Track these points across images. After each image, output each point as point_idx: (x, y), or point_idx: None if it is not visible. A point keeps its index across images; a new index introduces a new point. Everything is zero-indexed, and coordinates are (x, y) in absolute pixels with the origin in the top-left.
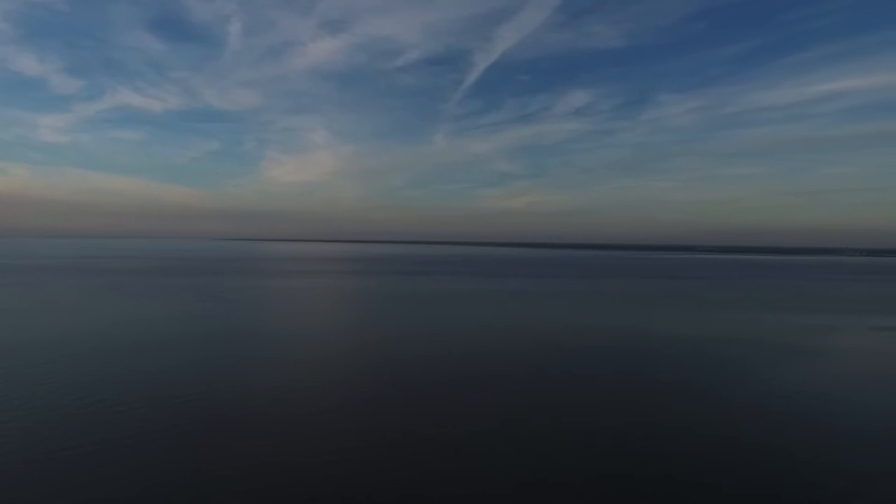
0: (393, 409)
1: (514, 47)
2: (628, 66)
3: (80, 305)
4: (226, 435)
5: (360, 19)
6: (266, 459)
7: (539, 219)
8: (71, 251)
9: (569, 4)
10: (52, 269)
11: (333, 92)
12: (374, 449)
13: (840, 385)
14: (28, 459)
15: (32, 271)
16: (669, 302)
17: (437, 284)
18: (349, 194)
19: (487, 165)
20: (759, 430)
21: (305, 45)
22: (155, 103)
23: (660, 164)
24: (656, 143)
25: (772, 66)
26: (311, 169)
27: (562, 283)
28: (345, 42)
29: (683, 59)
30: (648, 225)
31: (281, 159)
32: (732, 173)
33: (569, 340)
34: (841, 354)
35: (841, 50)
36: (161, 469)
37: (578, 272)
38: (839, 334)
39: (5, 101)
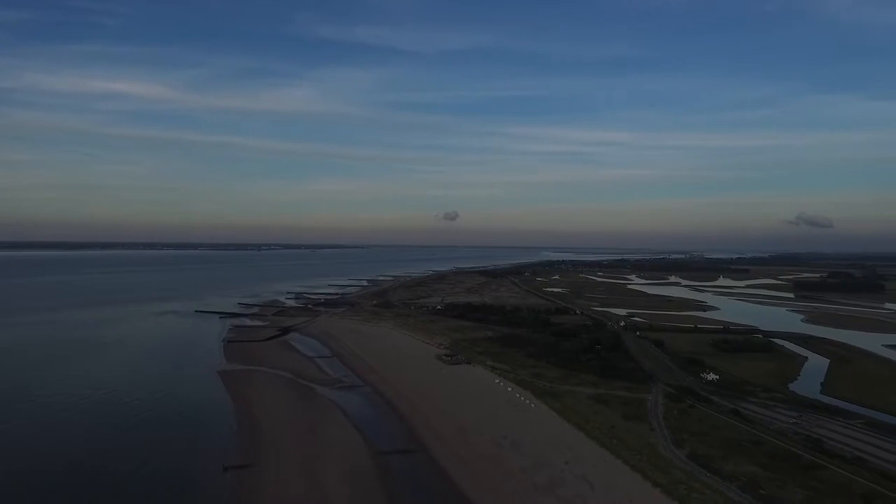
0: None
1: None
2: None
3: None
4: None
5: None
6: None
7: None
8: None
9: None
10: None
11: None
12: None
13: (124, 369)
14: None
15: None
16: None
17: None
18: None
19: None
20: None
21: None
22: None
23: None
24: None
25: (57, 49)
26: None
27: None
28: None
29: None
30: None
31: None
32: (3, 158)
33: None
34: (127, 340)
35: (128, 53)
36: None
37: None
38: (126, 322)
39: None
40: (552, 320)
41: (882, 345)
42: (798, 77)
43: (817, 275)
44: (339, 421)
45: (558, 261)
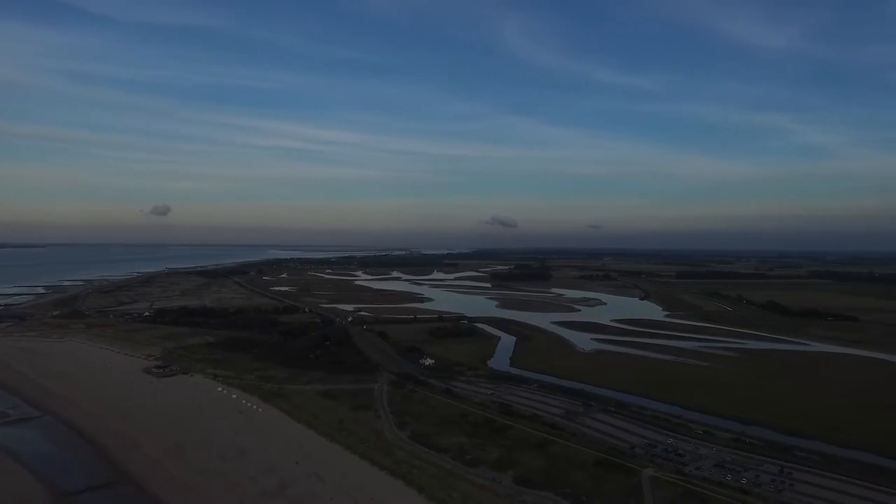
0: None
1: None
2: None
3: None
4: None
5: None
6: None
7: None
8: None
9: None
10: None
11: None
12: None
13: None
14: None
15: None
16: None
17: None
18: None
19: None
20: None
21: None
22: None
23: None
24: None
25: None
26: None
27: None
28: None
29: None
30: None
31: None
32: None
33: None
34: None
35: None
36: None
37: None
38: None
39: None
40: (280, 320)
41: (550, 322)
42: (493, 100)
43: (507, 267)
44: (3, 466)
45: (286, 259)
